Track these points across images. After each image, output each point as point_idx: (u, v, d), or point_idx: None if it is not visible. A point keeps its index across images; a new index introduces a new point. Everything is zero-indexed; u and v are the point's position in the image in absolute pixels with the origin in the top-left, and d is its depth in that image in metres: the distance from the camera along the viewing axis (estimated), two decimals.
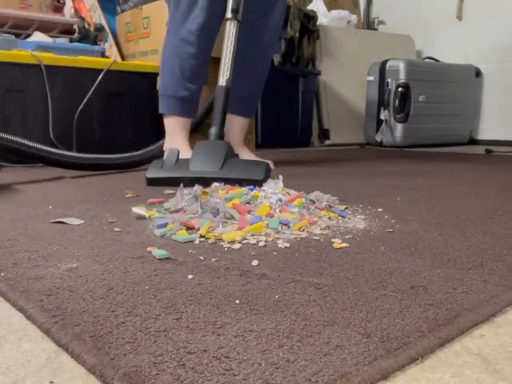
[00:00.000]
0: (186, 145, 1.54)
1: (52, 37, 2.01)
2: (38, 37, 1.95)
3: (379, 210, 0.91)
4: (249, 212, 0.77)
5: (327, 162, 1.85)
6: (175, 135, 1.55)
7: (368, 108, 2.86)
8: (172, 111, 1.54)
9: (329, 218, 0.81)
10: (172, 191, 1.08)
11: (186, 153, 1.52)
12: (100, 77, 1.74)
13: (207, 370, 0.33)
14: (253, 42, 1.59)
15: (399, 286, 0.50)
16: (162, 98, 1.55)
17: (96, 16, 2.26)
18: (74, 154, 1.41)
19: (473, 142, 3.03)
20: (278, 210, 0.79)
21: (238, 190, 0.88)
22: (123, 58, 2.19)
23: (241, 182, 1.02)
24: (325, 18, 2.93)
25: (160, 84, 1.56)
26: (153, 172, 1.22)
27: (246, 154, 1.65)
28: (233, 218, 0.75)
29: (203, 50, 1.51)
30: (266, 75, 1.69)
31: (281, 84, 2.53)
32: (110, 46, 2.24)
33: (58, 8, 2.22)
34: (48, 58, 1.67)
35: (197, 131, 2.16)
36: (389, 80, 2.70)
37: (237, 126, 1.67)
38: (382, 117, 2.73)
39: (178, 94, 1.51)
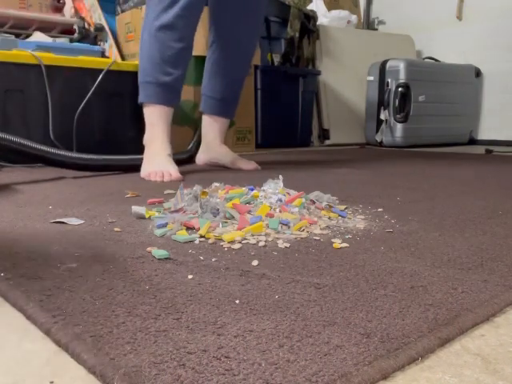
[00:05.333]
0: (166, 138, 1.42)
1: (52, 37, 2.01)
2: (38, 37, 1.95)
3: (379, 210, 0.91)
4: (249, 212, 0.77)
5: (327, 162, 1.85)
6: (155, 127, 1.42)
7: (368, 108, 2.86)
8: (151, 99, 1.42)
9: (329, 218, 0.81)
10: (172, 191, 1.08)
11: (162, 150, 1.40)
12: (100, 77, 1.74)
13: (207, 369, 0.33)
14: (232, 42, 1.55)
15: (399, 286, 0.50)
16: (141, 87, 1.44)
17: (96, 16, 2.26)
18: (78, 154, 1.41)
19: (473, 142, 3.03)
20: (278, 210, 0.79)
21: (238, 190, 0.88)
22: (123, 58, 2.20)
23: None
24: (325, 18, 2.93)
25: (139, 72, 1.45)
26: None
27: (228, 154, 1.63)
28: (233, 217, 0.75)
29: (185, 33, 1.39)
30: (246, 75, 1.65)
31: (281, 84, 2.53)
32: (110, 46, 2.24)
33: (58, 8, 2.23)
34: (48, 57, 1.67)
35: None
36: (389, 80, 2.70)
37: (217, 127, 1.62)
38: (382, 117, 2.73)
39: (158, 80, 1.39)
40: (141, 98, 1.45)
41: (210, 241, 0.67)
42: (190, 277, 0.53)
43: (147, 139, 1.44)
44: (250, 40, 1.60)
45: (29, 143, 1.26)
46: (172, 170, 1.34)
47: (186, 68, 1.47)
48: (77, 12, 2.29)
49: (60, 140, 1.67)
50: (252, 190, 0.88)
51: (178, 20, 1.35)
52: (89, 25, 2.23)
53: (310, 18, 2.70)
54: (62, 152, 1.35)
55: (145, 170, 1.37)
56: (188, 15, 1.37)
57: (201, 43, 1.88)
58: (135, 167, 1.43)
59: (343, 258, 0.61)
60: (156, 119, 1.42)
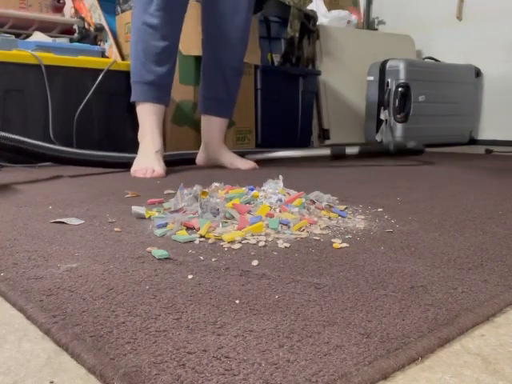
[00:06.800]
0: (156, 135, 1.45)
1: (52, 37, 2.01)
2: (38, 37, 1.95)
3: (379, 210, 0.91)
4: (249, 212, 0.77)
5: (327, 162, 1.85)
6: (145, 124, 1.47)
7: (368, 108, 2.85)
8: (140, 97, 1.46)
9: (329, 218, 0.81)
10: (172, 191, 1.08)
11: (151, 146, 1.43)
12: (100, 77, 1.74)
13: (207, 370, 0.33)
14: (221, 41, 1.57)
15: (399, 286, 0.50)
16: (132, 86, 1.49)
17: (96, 16, 2.26)
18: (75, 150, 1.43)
19: (473, 141, 3.03)
20: (278, 210, 0.79)
21: (238, 190, 0.88)
22: (123, 58, 2.19)
23: None
24: (325, 18, 2.93)
25: (130, 72, 1.51)
26: None
27: (227, 154, 1.64)
28: (233, 217, 0.75)
29: (165, 31, 1.43)
30: (239, 74, 1.66)
31: (281, 84, 2.52)
32: (109, 46, 2.24)
33: (58, 8, 2.22)
34: (48, 57, 1.67)
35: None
36: (389, 80, 2.70)
37: (215, 127, 1.63)
38: (382, 117, 2.73)
39: (144, 79, 1.44)
40: (132, 98, 1.50)
41: (210, 241, 0.67)
42: (190, 277, 0.53)
43: (139, 136, 1.50)
44: (239, 39, 1.60)
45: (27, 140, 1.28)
46: (156, 167, 1.39)
47: (173, 64, 1.50)
48: (77, 12, 2.28)
49: (60, 140, 1.67)
50: (252, 189, 0.88)
51: (156, 19, 1.40)
52: (89, 25, 2.23)
53: (309, 17, 2.70)
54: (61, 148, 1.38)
55: (132, 168, 1.43)
56: (165, 14, 1.41)
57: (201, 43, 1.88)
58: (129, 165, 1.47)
59: (343, 258, 0.61)
60: (146, 116, 1.47)
